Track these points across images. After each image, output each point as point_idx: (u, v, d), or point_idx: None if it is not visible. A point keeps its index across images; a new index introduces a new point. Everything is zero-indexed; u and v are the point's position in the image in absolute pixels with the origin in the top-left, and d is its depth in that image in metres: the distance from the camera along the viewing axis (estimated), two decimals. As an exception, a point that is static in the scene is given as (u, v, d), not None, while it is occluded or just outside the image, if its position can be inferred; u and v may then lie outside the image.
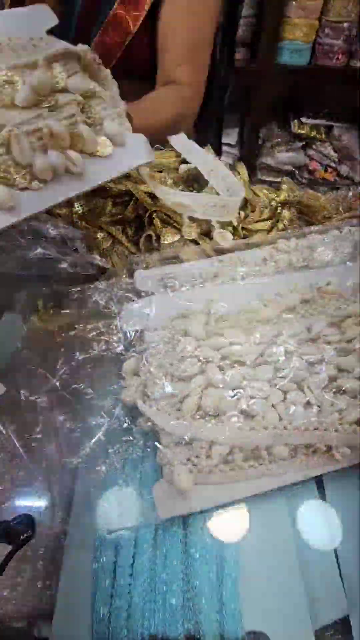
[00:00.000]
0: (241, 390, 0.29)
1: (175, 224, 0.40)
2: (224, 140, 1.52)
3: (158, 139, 0.45)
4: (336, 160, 1.53)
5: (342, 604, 0.26)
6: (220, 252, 0.41)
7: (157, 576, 0.27)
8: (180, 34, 0.55)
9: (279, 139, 1.53)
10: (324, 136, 1.50)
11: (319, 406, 0.29)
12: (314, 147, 1.53)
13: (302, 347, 0.31)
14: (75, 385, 0.31)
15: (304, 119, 1.49)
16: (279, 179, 1.64)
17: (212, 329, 0.31)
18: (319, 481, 0.31)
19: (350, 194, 0.56)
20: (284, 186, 0.47)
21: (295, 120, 1.51)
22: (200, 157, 0.44)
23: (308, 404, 0.29)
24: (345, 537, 0.28)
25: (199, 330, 0.31)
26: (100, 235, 0.39)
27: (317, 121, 1.49)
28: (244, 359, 0.30)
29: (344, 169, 1.56)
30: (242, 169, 0.48)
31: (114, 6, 0.50)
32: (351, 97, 1.47)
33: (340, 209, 0.52)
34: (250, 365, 0.30)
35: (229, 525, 0.28)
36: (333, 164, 1.54)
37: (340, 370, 0.31)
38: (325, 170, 1.56)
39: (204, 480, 0.27)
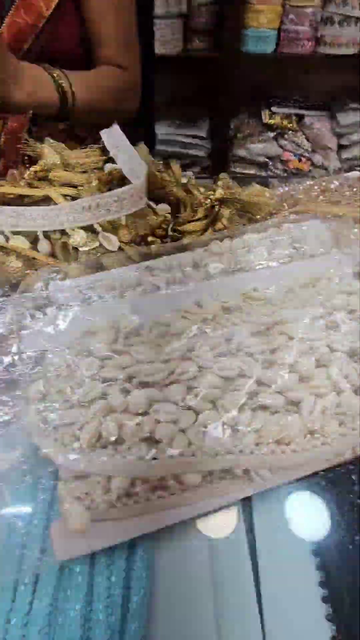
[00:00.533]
0: (147, 415, 0.26)
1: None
2: (195, 132, 1.49)
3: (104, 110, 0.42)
4: (309, 149, 1.51)
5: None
6: (148, 257, 0.39)
7: (56, 624, 0.24)
8: (113, 23, 0.53)
9: (251, 130, 1.49)
10: (295, 125, 1.47)
11: (235, 426, 0.26)
12: (286, 137, 1.50)
13: (220, 361, 0.28)
14: (-30, 416, 0.28)
15: (274, 109, 1.46)
16: (253, 171, 1.62)
17: (119, 346, 0.28)
18: (247, 505, 0.28)
19: (300, 187, 0.54)
20: (219, 183, 0.44)
21: (266, 110, 1.48)
22: (126, 156, 0.41)
23: (223, 425, 0.26)
24: (272, 569, 0.26)
25: (104, 348, 0.28)
26: (11, 257, 0.36)
27: (288, 110, 1.46)
28: (151, 378, 0.27)
29: (317, 158, 1.53)
30: (176, 168, 0.45)
31: None
32: (320, 84, 1.44)
33: (285, 204, 0.49)
34: (159, 386, 0.27)
35: (140, 560, 0.26)
36: (307, 154, 1.51)
37: (261, 384, 0.28)
38: (300, 160, 1.53)
39: (105, 515, 0.25)
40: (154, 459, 0.25)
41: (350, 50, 1.24)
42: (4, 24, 0.48)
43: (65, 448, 0.25)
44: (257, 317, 0.31)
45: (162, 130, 1.47)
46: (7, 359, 0.29)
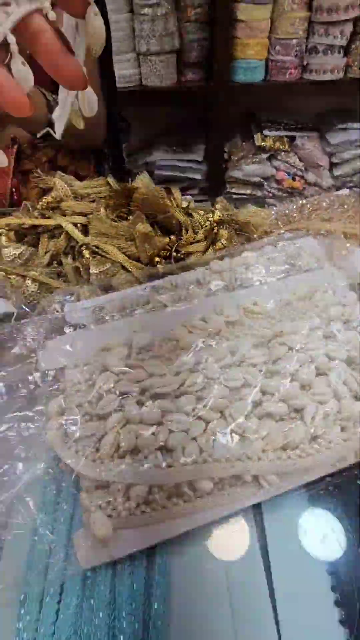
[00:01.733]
0: (160, 425, 0.28)
1: (104, 254, 0.40)
2: (191, 157, 1.55)
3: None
4: (302, 168, 1.57)
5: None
6: (155, 277, 0.41)
7: (81, 632, 0.25)
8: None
9: (244, 153, 1.56)
10: (287, 146, 1.54)
11: (242, 434, 0.28)
12: (279, 157, 1.56)
13: (226, 372, 0.30)
14: (-5, 432, 0.30)
15: (266, 132, 1.53)
16: (249, 191, 1.67)
17: (133, 361, 0.31)
18: (257, 507, 0.30)
19: (294, 206, 0.57)
20: (217, 205, 0.47)
21: (258, 134, 1.55)
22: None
23: (231, 432, 0.28)
24: (284, 573, 0.27)
25: (118, 363, 0.30)
26: (28, 282, 0.39)
27: (279, 133, 1.53)
28: (164, 390, 0.29)
29: (311, 177, 1.59)
30: (177, 193, 0.48)
31: None
32: (308, 107, 1.52)
33: (280, 223, 0.52)
34: (170, 397, 0.29)
35: (159, 569, 0.27)
36: (300, 173, 1.57)
37: (265, 393, 0.30)
38: (293, 179, 1.59)
39: (125, 524, 0.26)
40: (169, 466, 0.26)
41: (335, 76, 1.31)
42: None
43: (86, 459, 0.27)
44: (258, 330, 0.33)
45: (159, 156, 1.54)
46: (29, 377, 0.32)
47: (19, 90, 0.18)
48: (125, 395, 0.29)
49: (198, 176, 1.55)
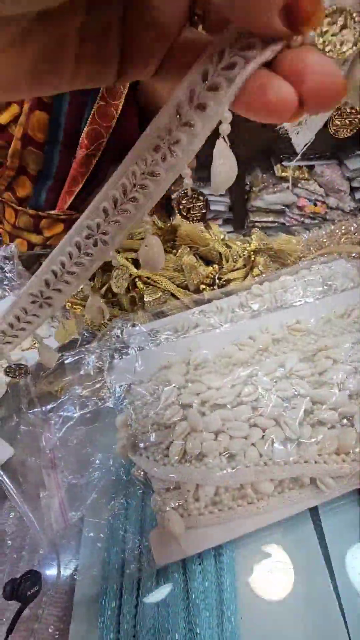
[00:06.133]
0: (222, 432, 0.31)
1: (155, 284, 0.45)
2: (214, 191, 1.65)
3: None
4: (323, 194, 1.62)
5: (345, 643, 0.26)
6: (201, 302, 0.46)
7: (161, 625, 0.27)
8: None
9: (266, 183, 1.64)
10: (307, 175, 1.60)
11: (297, 440, 0.31)
12: (299, 185, 1.63)
13: (277, 384, 0.33)
14: (73, 442, 0.34)
15: (285, 163, 1.60)
16: (271, 218, 1.73)
17: (192, 376, 0.34)
18: (315, 514, 0.31)
19: (323, 232, 0.61)
20: (254, 236, 0.52)
21: (278, 165, 1.63)
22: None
23: (287, 439, 0.31)
24: (345, 569, 0.29)
25: (179, 379, 0.34)
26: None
27: (298, 162, 1.61)
28: (222, 401, 0.32)
29: (332, 201, 1.63)
30: (215, 227, 0.53)
31: (97, 100, 0.56)
32: (323, 138, 1.59)
33: (312, 248, 0.56)
34: (229, 407, 0.32)
35: (227, 567, 0.29)
36: (321, 198, 1.63)
37: (315, 402, 0.33)
38: (315, 205, 1.65)
39: (195, 523, 0.29)
40: (233, 469, 0.29)
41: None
42: (82, 133, 0.60)
43: (157, 463, 0.30)
44: (303, 346, 0.36)
45: (185, 191, 1.64)
46: (99, 394, 0.36)
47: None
48: (187, 407, 0.32)
49: (222, 208, 1.64)
